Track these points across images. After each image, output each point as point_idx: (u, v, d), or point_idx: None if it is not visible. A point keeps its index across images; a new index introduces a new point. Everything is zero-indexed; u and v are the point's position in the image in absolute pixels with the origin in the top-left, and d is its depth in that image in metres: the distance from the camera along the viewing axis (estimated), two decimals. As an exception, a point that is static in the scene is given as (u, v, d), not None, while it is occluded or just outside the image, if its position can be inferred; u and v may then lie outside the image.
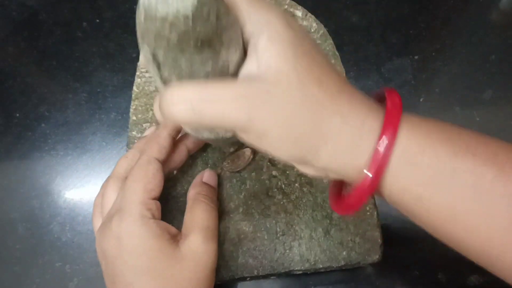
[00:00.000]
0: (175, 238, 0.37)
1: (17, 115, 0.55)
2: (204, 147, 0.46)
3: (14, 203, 0.51)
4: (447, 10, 0.61)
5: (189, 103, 0.27)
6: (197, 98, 0.27)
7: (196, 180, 0.43)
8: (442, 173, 0.27)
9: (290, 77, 0.27)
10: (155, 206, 0.37)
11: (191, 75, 0.28)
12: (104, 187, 0.41)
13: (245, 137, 0.29)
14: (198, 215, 0.39)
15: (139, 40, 0.30)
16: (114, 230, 0.35)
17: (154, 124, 0.47)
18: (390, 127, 0.27)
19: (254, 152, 0.46)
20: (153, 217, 0.36)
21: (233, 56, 0.29)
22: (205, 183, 0.43)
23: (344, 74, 0.49)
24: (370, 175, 0.27)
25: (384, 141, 0.27)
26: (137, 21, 0.28)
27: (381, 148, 0.27)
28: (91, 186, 0.52)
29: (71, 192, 0.52)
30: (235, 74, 0.30)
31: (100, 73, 0.57)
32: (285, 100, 0.27)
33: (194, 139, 0.42)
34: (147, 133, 0.45)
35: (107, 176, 0.52)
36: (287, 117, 0.27)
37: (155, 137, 0.40)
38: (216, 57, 0.28)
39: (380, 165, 0.27)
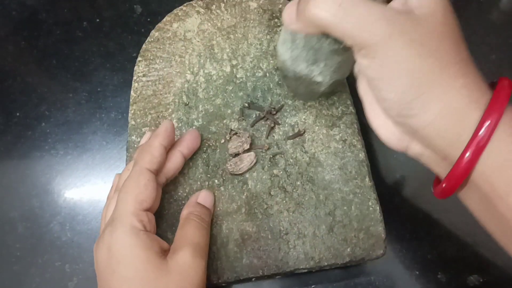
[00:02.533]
0: (165, 252, 0.37)
1: (17, 114, 0.55)
2: (205, 148, 0.46)
3: (14, 202, 0.51)
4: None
5: (337, 1, 0.27)
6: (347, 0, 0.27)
7: (191, 200, 0.43)
8: None
9: (443, 24, 0.28)
10: (147, 217, 0.37)
11: None
12: (108, 198, 0.41)
13: (367, 62, 0.29)
14: (188, 231, 0.39)
15: None
16: (106, 241, 0.35)
17: (153, 128, 0.47)
18: (494, 110, 0.26)
19: (258, 157, 0.46)
20: (144, 228, 0.36)
21: None
22: (199, 204, 0.43)
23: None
24: (467, 155, 0.26)
25: (486, 123, 0.26)
26: None
27: (481, 133, 0.26)
28: (91, 185, 0.52)
29: (71, 192, 0.52)
30: None
31: (100, 73, 0.57)
32: (426, 39, 0.27)
33: (189, 144, 0.43)
34: (143, 140, 0.45)
35: (107, 176, 0.52)
36: (417, 56, 0.27)
37: (147, 147, 0.40)
38: None
39: (478, 147, 0.26)
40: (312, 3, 0.28)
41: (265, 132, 0.47)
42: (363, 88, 0.34)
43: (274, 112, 0.47)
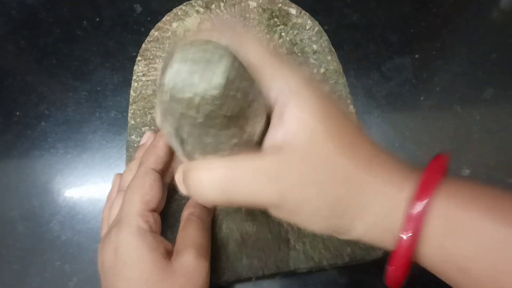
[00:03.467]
0: (169, 254, 0.37)
1: (17, 113, 0.55)
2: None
3: (14, 201, 0.51)
4: (447, 9, 0.61)
5: (217, 185, 0.27)
6: (226, 180, 0.27)
7: (191, 201, 0.43)
8: (492, 243, 0.24)
9: (321, 147, 0.26)
10: (153, 218, 0.37)
11: (216, 150, 0.28)
12: (109, 198, 0.42)
13: (277, 213, 0.28)
14: (190, 233, 0.39)
15: (160, 114, 0.28)
16: (112, 241, 0.35)
17: (152, 127, 0.47)
18: (424, 190, 0.26)
19: None
20: (151, 229, 0.36)
21: (258, 126, 0.28)
22: (200, 204, 0.43)
23: (342, 71, 0.49)
24: (405, 237, 0.26)
25: (418, 204, 0.25)
26: (160, 98, 0.26)
27: (415, 211, 0.25)
28: (91, 184, 0.52)
29: (71, 191, 0.52)
30: (260, 142, 0.29)
31: (100, 72, 0.57)
32: (317, 172, 0.26)
33: None
34: (143, 140, 0.45)
35: (107, 175, 0.52)
36: (320, 190, 0.26)
37: (152, 147, 0.40)
38: (242, 130, 0.27)
39: (415, 227, 0.25)
40: (193, 187, 0.28)
41: None
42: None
43: None
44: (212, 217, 0.44)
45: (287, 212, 0.28)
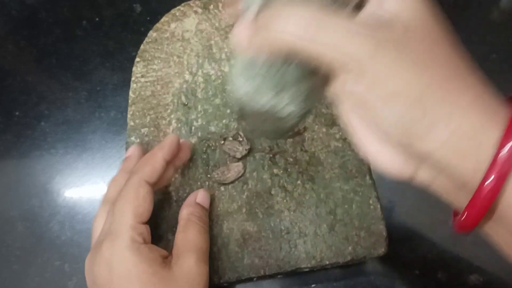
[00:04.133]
0: (167, 260, 0.36)
1: (17, 113, 0.55)
2: (204, 148, 0.46)
3: (14, 201, 0.51)
4: (447, 9, 0.60)
5: (303, 21, 0.22)
6: (314, 18, 0.22)
7: (190, 199, 0.43)
8: None
9: (427, 22, 0.24)
10: (146, 230, 0.36)
11: None
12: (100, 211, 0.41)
13: (352, 85, 0.23)
14: (191, 236, 0.38)
15: None
16: (105, 256, 0.34)
17: (152, 129, 0.47)
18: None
19: (245, 167, 0.45)
20: (144, 241, 0.35)
21: None
22: (198, 204, 0.42)
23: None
24: (490, 180, 0.21)
25: (509, 144, 0.21)
26: None
27: (505, 153, 0.21)
28: (91, 184, 0.52)
29: (70, 191, 0.52)
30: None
31: (100, 72, 0.57)
32: (419, 45, 0.23)
33: (182, 156, 0.42)
34: (129, 153, 0.44)
35: (107, 175, 0.52)
36: (418, 66, 0.22)
37: (149, 158, 0.39)
38: None
39: (502, 171, 0.21)
40: (275, 21, 0.23)
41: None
42: (347, 115, 0.27)
43: None
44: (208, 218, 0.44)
45: (369, 81, 0.23)
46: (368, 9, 0.24)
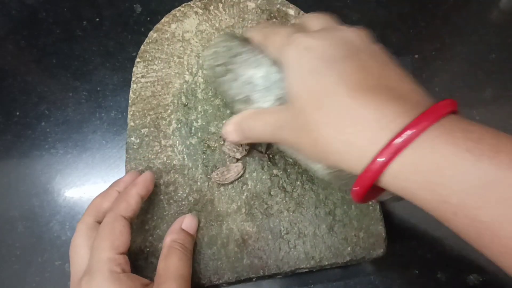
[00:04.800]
0: (147, 287, 0.36)
1: (17, 113, 0.55)
2: (204, 149, 0.46)
3: (14, 201, 0.51)
4: (447, 9, 0.61)
5: (269, 128, 0.36)
6: (274, 124, 0.35)
7: (174, 226, 0.42)
8: (494, 184, 0.23)
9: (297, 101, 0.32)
10: (124, 260, 0.36)
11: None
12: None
13: (280, 147, 0.38)
14: (172, 263, 0.38)
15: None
16: None
17: (152, 129, 0.47)
18: (421, 122, 0.25)
19: (245, 168, 0.46)
20: (123, 271, 0.35)
21: None
22: (183, 231, 0.42)
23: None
24: (378, 160, 0.26)
25: (407, 133, 0.25)
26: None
27: (400, 140, 0.25)
28: (91, 184, 0.52)
29: (71, 191, 0.52)
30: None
31: (100, 72, 0.57)
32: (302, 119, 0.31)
33: (144, 186, 0.42)
34: (127, 177, 0.44)
35: (107, 175, 0.52)
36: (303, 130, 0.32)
37: (124, 195, 0.39)
38: None
39: (391, 153, 0.26)
40: (225, 132, 0.40)
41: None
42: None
43: None
44: (195, 243, 0.44)
45: (285, 144, 0.36)
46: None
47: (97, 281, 0.34)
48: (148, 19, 0.59)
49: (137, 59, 0.49)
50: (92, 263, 0.35)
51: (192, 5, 0.51)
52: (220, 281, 0.42)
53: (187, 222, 0.43)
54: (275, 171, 0.45)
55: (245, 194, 0.45)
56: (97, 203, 0.41)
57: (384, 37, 0.59)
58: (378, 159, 0.26)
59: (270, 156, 0.46)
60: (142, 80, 0.48)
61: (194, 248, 0.43)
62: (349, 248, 0.43)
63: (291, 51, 0.32)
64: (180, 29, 0.50)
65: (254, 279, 0.45)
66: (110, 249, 0.35)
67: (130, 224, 0.38)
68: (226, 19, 0.50)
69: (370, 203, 0.44)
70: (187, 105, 0.48)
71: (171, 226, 0.42)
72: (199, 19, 0.50)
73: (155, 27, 0.50)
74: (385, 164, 0.26)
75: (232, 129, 0.39)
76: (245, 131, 0.38)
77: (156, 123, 0.47)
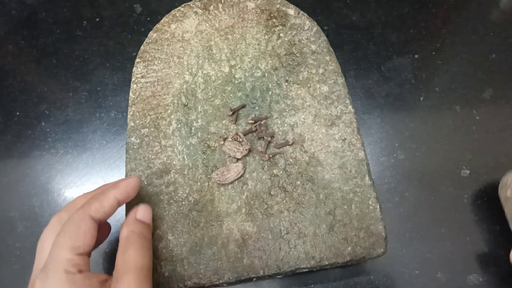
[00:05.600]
0: (106, 284, 0.36)
1: (17, 113, 0.55)
2: (204, 149, 0.46)
3: (14, 201, 0.51)
4: (447, 9, 0.61)
5: None
6: None
7: (129, 217, 0.40)
8: None
9: None
10: (83, 261, 0.35)
11: None
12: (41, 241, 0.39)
13: None
14: (131, 255, 0.36)
15: None
16: None
17: (152, 129, 0.47)
18: None
19: (245, 168, 0.46)
20: (80, 271, 0.34)
21: None
22: (139, 221, 0.40)
23: (340, 71, 0.49)
24: None
25: None
26: None
27: None
28: (91, 184, 0.52)
29: (71, 191, 0.52)
30: None
31: (100, 72, 0.57)
32: None
33: (124, 191, 0.40)
34: (129, 181, 0.42)
35: (107, 175, 0.52)
36: None
37: (100, 194, 0.38)
38: None
39: None
40: None
41: (263, 142, 0.47)
42: None
43: (258, 122, 0.47)
44: (153, 233, 0.43)
45: None
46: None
47: (51, 282, 0.33)
48: (148, 19, 0.59)
49: (137, 59, 0.49)
50: (49, 260, 0.34)
51: (192, 5, 0.51)
52: (220, 281, 0.42)
53: (141, 211, 0.40)
54: (275, 171, 0.45)
55: (245, 194, 0.45)
56: (78, 200, 0.40)
57: (384, 36, 0.59)
58: None
59: (270, 156, 0.46)
60: (142, 80, 0.48)
61: (155, 244, 0.42)
62: (349, 248, 0.43)
63: None
64: (180, 29, 0.50)
65: (254, 279, 0.44)
66: (69, 248, 0.34)
67: (97, 226, 0.37)
68: (226, 19, 0.50)
69: (370, 202, 0.44)
70: (187, 105, 0.48)
71: (126, 218, 0.40)
72: (198, 19, 0.50)
73: (155, 27, 0.50)
74: None
75: None
76: None
77: (156, 123, 0.47)
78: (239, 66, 0.49)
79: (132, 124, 0.47)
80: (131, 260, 0.36)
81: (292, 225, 0.44)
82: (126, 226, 0.39)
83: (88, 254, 0.37)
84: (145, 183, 0.45)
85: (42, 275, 0.34)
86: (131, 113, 0.47)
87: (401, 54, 0.58)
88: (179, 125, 0.47)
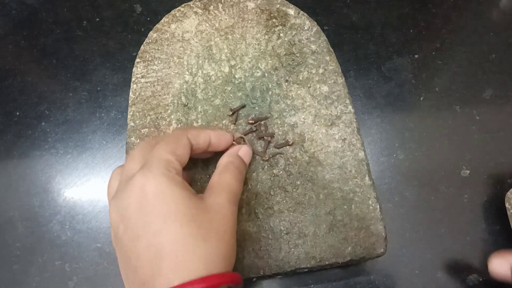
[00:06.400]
0: (199, 195, 0.36)
1: (17, 113, 0.55)
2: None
3: (14, 201, 0.51)
4: (447, 9, 0.61)
5: None
6: None
7: (232, 150, 0.43)
8: None
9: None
10: (181, 168, 0.36)
11: None
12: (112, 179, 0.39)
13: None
14: (226, 179, 0.38)
15: None
16: (138, 183, 0.33)
17: (152, 129, 0.47)
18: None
19: (256, 158, 0.46)
20: (178, 174, 0.35)
21: None
22: (240, 157, 0.42)
23: (340, 71, 0.49)
24: None
25: None
26: None
27: None
28: (91, 184, 0.52)
29: (71, 191, 0.52)
30: None
31: (100, 72, 0.57)
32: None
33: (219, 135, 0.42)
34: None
35: (107, 175, 0.52)
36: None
37: (200, 128, 0.40)
38: None
39: None
40: None
41: (263, 142, 0.47)
42: None
43: (258, 122, 0.47)
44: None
45: None
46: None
47: (153, 174, 0.33)
48: (148, 19, 0.59)
49: (137, 59, 0.49)
50: (150, 159, 0.34)
51: (192, 5, 0.51)
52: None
53: (244, 151, 0.43)
54: (275, 171, 0.45)
55: (245, 194, 0.45)
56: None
57: (384, 36, 0.59)
58: None
59: (270, 156, 0.46)
60: (142, 80, 0.48)
61: None
62: (349, 248, 0.43)
63: None
64: (180, 29, 0.50)
65: (254, 279, 0.45)
66: (171, 152, 0.35)
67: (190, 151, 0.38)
68: (226, 19, 0.50)
69: (370, 202, 0.44)
70: (187, 105, 0.48)
71: (228, 150, 0.43)
72: (198, 19, 0.50)
73: (155, 27, 0.50)
74: None
75: None
76: None
77: (156, 123, 0.47)
78: (239, 66, 0.49)
79: (132, 124, 0.47)
80: (225, 182, 0.38)
81: (292, 225, 0.44)
82: (226, 156, 0.42)
83: (184, 166, 0.37)
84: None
85: (143, 170, 0.33)
86: (131, 113, 0.47)
87: (401, 54, 0.58)
88: (179, 125, 0.47)
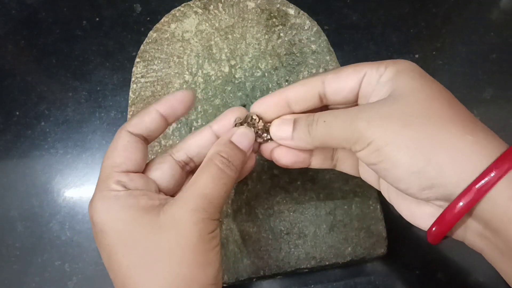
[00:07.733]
0: (160, 205, 0.31)
1: (17, 113, 0.55)
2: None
3: (14, 201, 0.51)
4: (447, 8, 0.61)
5: (348, 124, 0.30)
6: (355, 119, 0.29)
7: (223, 137, 0.34)
8: None
9: (421, 92, 0.30)
10: (128, 177, 0.32)
11: None
12: None
13: (364, 154, 0.29)
14: (201, 179, 0.31)
15: None
16: (89, 212, 0.31)
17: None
18: (504, 162, 0.25)
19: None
20: (125, 188, 0.31)
21: None
22: (232, 143, 0.34)
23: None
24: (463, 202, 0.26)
25: (491, 174, 0.25)
26: None
27: (484, 181, 0.25)
28: (91, 184, 0.52)
29: (70, 191, 0.52)
30: None
31: (100, 72, 0.57)
32: (415, 108, 0.28)
33: (167, 104, 0.35)
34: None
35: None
36: (414, 122, 0.28)
37: (141, 110, 0.34)
38: None
39: (478, 192, 0.25)
40: (320, 131, 0.31)
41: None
42: (383, 187, 0.35)
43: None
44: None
45: (369, 151, 0.29)
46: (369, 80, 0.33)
47: (94, 202, 0.31)
48: (148, 19, 0.59)
49: (137, 59, 0.49)
50: (99, 177, 0.32)
51: (191, 5, 0.51)
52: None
53: (239, 134, 0.34)
54: (275, 171, 0.45)
55: (245, 194, 0.45)
56: None
57: (384, 36, 0.59)
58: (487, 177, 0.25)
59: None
60: (142, 80, 0.48)
61: None
62: (349, 248, 0.43)
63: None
64: (179, 29, 0.50)
65: (254, 280, 0.45)
66: (111, 166, 0.32)
67: (144, 141, 0.34)
68: (226, 19, 0.50)
69: (370, 202, 0.44)
70: (187, 105, 0.48)
71: (220, 138, 0.35)
72: (198, 19, 0.50)
73: (154, 27, 0.50)
74: (492, 183, 0.25)
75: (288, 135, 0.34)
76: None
77: (156, 123, 0.47)
78: (239, 66, 0.49)
79: (132, 124, 0.47)
80: (198, 183, 0.31)
81: (293, 225, 0.44)
82: (215, 146, 0.34)
83: (137, 171, 0.33)
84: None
85: (92, 197, 0.31)
86: (131, 113, 0.47)
87: (401, 54, 0.57)
88: (179, 125, 0.47)
